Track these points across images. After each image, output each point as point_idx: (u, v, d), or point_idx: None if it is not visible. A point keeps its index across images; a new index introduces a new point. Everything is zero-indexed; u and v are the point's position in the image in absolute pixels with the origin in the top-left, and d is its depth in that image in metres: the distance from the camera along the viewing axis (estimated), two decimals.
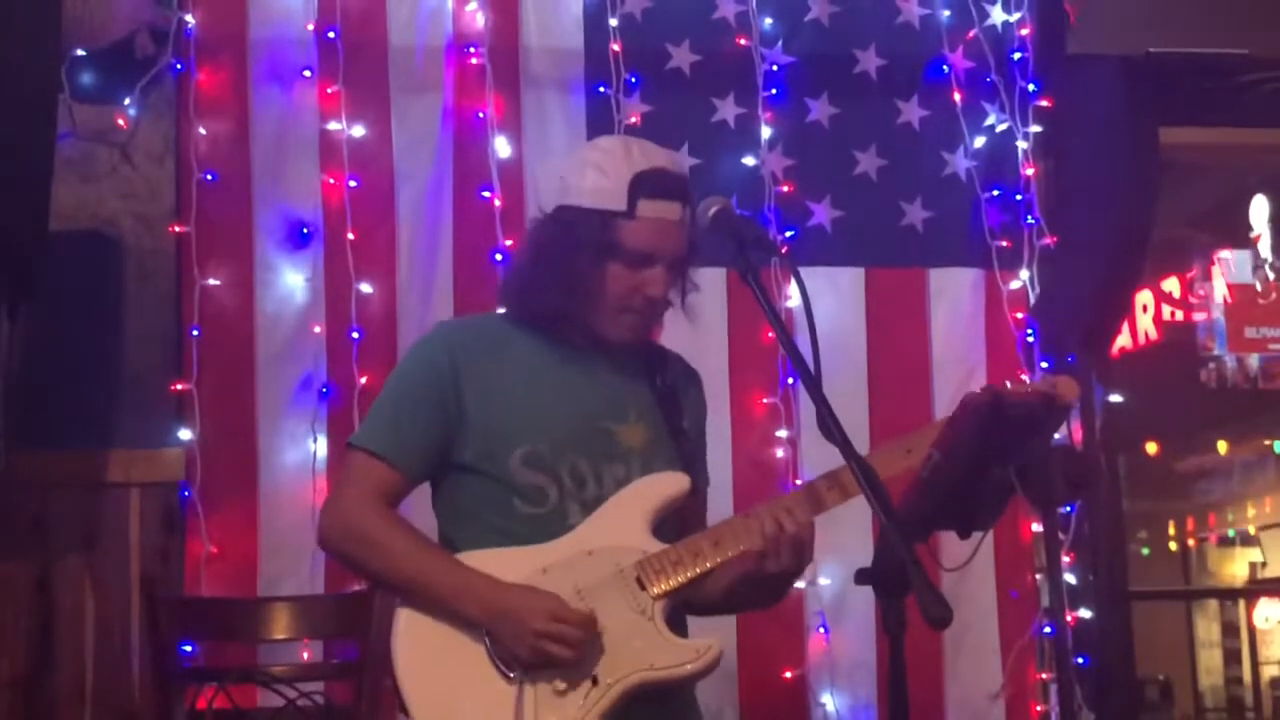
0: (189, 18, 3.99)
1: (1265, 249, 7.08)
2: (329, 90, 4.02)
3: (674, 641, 2.28)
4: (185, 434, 3.83)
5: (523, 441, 2.34)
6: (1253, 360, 7.15)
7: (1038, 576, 4.15)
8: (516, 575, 2.28)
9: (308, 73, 4.04)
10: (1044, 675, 4.13)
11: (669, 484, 2.38)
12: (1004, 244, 4.28)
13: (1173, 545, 10.43)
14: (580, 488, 2.35)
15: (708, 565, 2.29)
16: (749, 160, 4.19)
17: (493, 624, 2.24)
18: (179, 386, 3.85)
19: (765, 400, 4.10)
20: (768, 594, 2.39)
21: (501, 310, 2.52)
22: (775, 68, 4.24)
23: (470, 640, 2.26)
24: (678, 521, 2.41)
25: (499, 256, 3.96)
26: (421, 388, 2.38)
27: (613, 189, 2.33)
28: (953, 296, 4.26)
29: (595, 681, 2.22)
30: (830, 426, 2.10)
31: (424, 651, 2.28)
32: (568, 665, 2.22)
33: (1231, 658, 9.63)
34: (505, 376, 2.39)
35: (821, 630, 4.03)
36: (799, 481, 4.05)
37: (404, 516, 2.42)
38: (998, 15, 4.36)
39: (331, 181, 4.00)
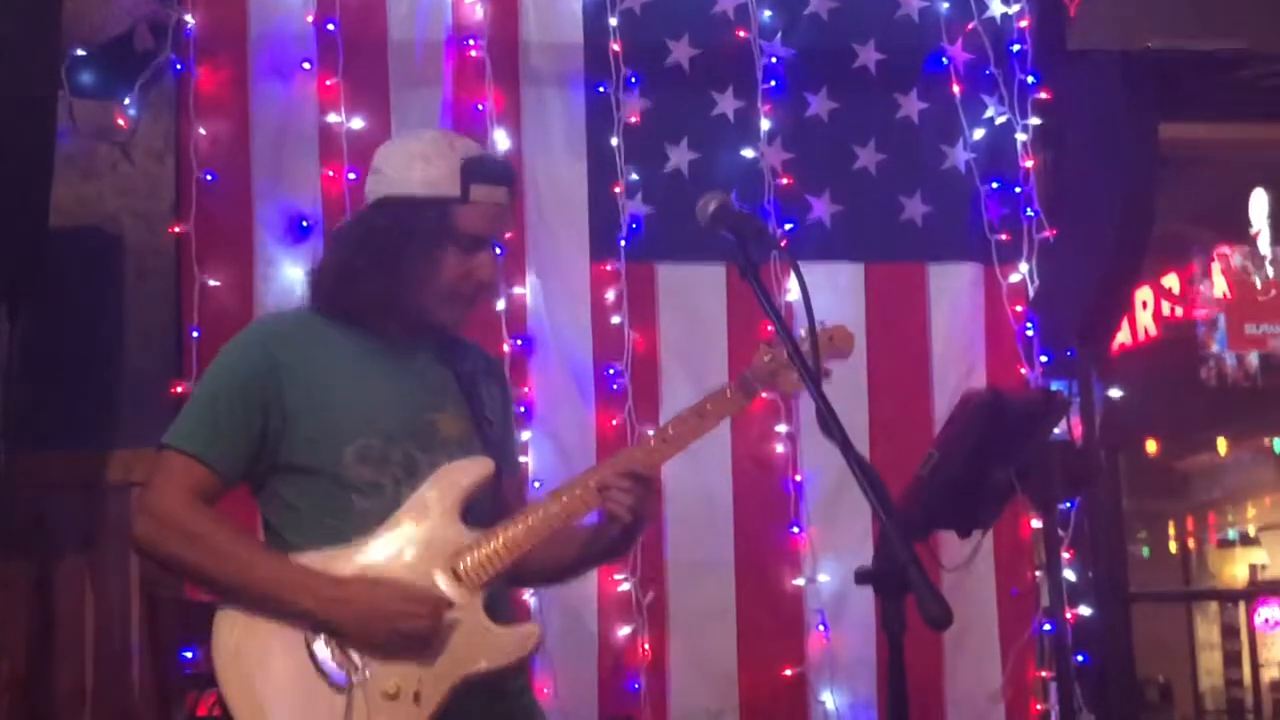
0: (188, 17, 3.98)
1: (1265, 245, 7.06)
2: (328, 83, 4.02)
3: (496, 632, 2.27)
4: None
5: (354, 437, 2.31)
6: (1253, 358, 7.13)
7: (1037, 574, 4.15)
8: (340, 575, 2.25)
9: (307, 65, 4.05)
10: (1044, 673, 4.13)
11: (474, 469, 2.35)
12: (1003, 237, 4.27)
13: (1173, 546, 10.40)
14: (412, 476, 2.32)
15: (521, 551, 2.29)
16: (748, 154, 4.19)
17: (334, 615, 2.20)
18: (179, 387, 3.83)
19: (764, 395, 4.08)
20: (623, 545, 2.43)
21: (310, 306, 2.44)
22: (774, 60, 4.24)
23: (294, 648, 2.21)
24: (494, 510, 2.38)
25: (497, 250, 3.95)
26: (238, 388, 2.33)
27: (444, 176, 2.35)
28: (952, 291, 4.26)
29: (423, 681, 2.20)
30: (829, 422, 2.10)
31: (247, 661, 2.23)
32: (413, 652, 2.19)
33: (1232, 660, 9.60)
34: (328, 372, 2.35)
35: (821, 628, 4.02)
36: (799, 477, 4.05)
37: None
38: (996, 8, 4.36)
39: (331, 174, 4.01)
